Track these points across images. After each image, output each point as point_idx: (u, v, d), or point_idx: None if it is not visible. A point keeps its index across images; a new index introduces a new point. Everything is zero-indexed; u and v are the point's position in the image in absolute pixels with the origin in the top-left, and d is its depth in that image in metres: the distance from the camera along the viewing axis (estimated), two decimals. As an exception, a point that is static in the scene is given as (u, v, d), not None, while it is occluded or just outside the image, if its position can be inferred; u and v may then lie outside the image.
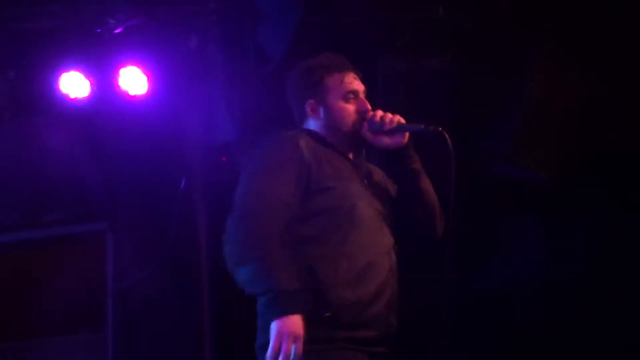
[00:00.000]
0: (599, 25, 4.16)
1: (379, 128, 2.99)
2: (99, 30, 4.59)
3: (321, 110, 3.06)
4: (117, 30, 4.59)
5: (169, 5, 4.58)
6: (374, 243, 2.92)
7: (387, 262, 2.93)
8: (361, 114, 3.04)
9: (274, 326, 2.64)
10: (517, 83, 4.37)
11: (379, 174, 3.16)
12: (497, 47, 4.40)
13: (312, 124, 3.09)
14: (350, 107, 3.05)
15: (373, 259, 2.88)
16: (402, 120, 3.00)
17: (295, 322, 2.65)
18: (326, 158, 2.96)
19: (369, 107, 3.06)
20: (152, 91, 4.78)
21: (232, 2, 4.58)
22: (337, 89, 3.05)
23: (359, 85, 3.09)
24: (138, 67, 4.73)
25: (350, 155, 3.07)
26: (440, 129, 2.92)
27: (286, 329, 2.63)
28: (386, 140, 3.01)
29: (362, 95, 3.08)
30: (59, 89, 4.77)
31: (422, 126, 2.96)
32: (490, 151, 4.48)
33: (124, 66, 4.73)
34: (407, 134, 3.02)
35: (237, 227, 2.77)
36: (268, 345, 2.73)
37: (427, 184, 3.09)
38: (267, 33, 4.49)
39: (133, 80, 4.75)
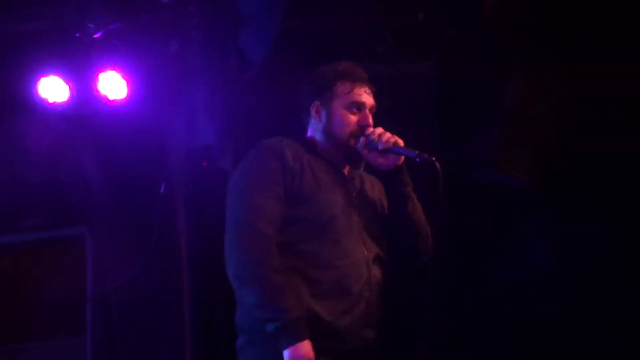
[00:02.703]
0: (580, 29, 4.16)
1: (374, 146, 3.00)
2: (78, 35, 4.56)
3: (323, 114, 3.08)
4: (97, 35, 4.56)
5: (149, 10, 4.54)
6: (350, 255, 2.93)
7: (364, 275, 2.94)
8: (361, 127, 3.04)
9: (287, 354, 2.74)
10: (498, 88, 4.36)
11: (374, 188, 3.18)
12: (478, 53, 4.40)
13: (313, 127, 3.13)
14: (352, 118, 3.05)
15: (347, 271, 2.90)
16: (400, 142, 3.00)
17: (306, 348, 2.75)
18: (310, 166, 2.99)
19: (371, 122, 3.07)
20: (131, 96, 4.77)
21: (213, 6, 4.56)
22: (343, 97, 3.07)
23: (367, 99, 3.10)
24: (117, 71, 4.71)
25: (346, 169, 3.10)
26: (433, 158, 2.94)
27: (300, 357, 2.73)
28: (379, 160, 3.03)
29: (368, 110, 3.08)
30: (37, 93, 4.74)
31: (416, 153, 2.96)
32: (472, 156, 4.47)
33: (103, 71, 4.71)
34: (402, 157, 3.03)
35: (234, 248, 2.86)
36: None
37: (415, 209, 3.10)
38: (249, 37, 4.47)
39: (112, 85, 4.73)
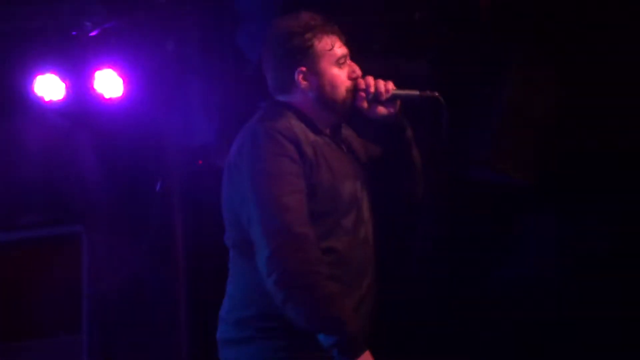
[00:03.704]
0: (577, 27, 4.16)
1: (375, 98, 2.81)
2: (74, 33, 4.56)
3: (314, 80, 2.80)
4: (93, 33, 4.56)
5: (146, 8, 4.53)
6: (362, 246, 2.80)
7: (371, 265, 2.83)
8: (353, 80, 2.83)
9: None
10: (496, 88, 4.35)
11: (354, 141, 3.00)
12: (475, 51, 4.38)
13: (300, 95, 2.83)
14: (343, 74, 2.83)
15: (360, 265, 2.78)
16: (394, 86, 2.85)
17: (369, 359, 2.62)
18: (321, 153, 2.77)
19: (360, 71, 2.86)
20: (127, 94, 4.77)
21: (210, 5, 4.55)
22: (328, 54, 2.79)
23: (345, 48, 2.86)
24: (114, 69, 4.71)
25: (328, 131, 2.88)
26: (436, 93, 2.81)
27: None
28: (381, 110, 2.84)
29: (349, 60, 2.86)
30: (33, 91, 4.74)
31: (417, 92, 2.83)
32: (471, 156, 4.46)
33: (99, 69, 4.71)
34: (399, 102, 2.86)
35: (274, 261, 2.59)
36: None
37: (416, 151, 2.96)
38: (246, 35, 4.46)
39: (108, 83, 4.73)
